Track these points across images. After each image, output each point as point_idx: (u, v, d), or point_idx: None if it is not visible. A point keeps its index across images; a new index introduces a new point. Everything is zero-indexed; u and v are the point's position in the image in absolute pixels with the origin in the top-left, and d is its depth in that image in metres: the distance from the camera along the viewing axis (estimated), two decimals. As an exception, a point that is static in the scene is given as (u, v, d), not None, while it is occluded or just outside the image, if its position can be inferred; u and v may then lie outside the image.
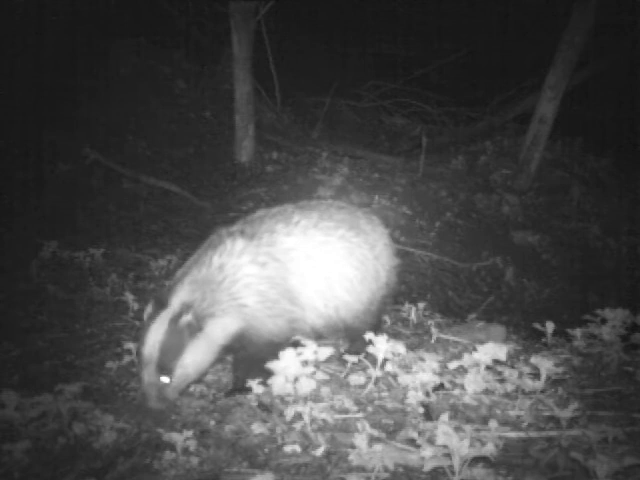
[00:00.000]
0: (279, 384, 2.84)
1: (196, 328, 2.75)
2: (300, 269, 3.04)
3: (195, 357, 2.77)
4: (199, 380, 3.04)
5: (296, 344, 2.99)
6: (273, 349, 2.89)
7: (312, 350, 2.86)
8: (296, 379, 2.84)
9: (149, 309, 2.85)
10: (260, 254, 2.97)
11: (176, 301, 2.80)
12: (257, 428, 2.63)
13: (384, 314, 3.76)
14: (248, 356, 3.03)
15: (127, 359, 3.32)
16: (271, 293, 2.95)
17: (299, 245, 3.05)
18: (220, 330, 2.84)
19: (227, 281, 2.88)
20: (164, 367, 2.71)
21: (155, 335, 2.72)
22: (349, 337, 3.46)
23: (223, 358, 3.12)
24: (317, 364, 2.95)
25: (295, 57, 10.92)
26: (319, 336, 3.24)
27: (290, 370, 2.79)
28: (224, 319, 2.85)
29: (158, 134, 8.61)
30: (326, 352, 2.90)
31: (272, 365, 2.82)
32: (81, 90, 8.11)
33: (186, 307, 2.76)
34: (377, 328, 3.27)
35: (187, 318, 2.73)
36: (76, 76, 8.06)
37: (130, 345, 3.27)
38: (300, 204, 3.32)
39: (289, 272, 3.01)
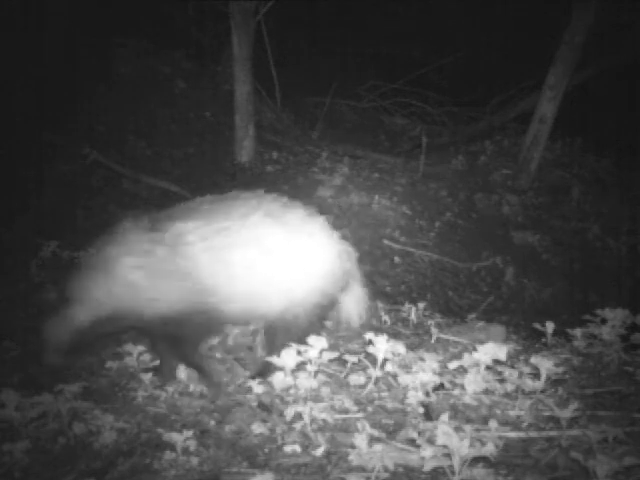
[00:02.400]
0: (279, 379, 2.88)
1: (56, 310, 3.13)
2: (194, 253, 3.05)
3: (54, 332, 3.12)
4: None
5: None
6: (177, 333, 3.08)
7: (318, 350, 2.88)
8: (296, 376, 2.86)
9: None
10: (143, 242, 3.08)
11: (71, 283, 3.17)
12: (257, 428, 2.63)
13: (317, 327, 3.33)
14: (160, 339, 3.19)
15: (127, 359, 3.32)
16: (147, 280, 3.04)
17: (195, 229, 3.07)
18: (80, 313, 3.10)
19: (107, 271, 3.09)
20: None
21: None
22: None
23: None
24: (320, 365, 2.96)
25: (295, 57, 10.91)
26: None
27: (290, 364, 2.85)
28: (83, 307, 3.10)
29: (158, 134, 8.60)
30: (331, 355, 2.91)
31: (272, 360, 2.87)
32: (81, 90, 8.11)
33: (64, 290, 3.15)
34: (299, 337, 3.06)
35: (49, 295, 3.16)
36: (76, 76, 8.06)
37: (130, 346, 3.28)
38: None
39: (180, 255, 3.04)
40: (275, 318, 3.18)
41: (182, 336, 3.08)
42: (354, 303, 3.44)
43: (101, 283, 3.08)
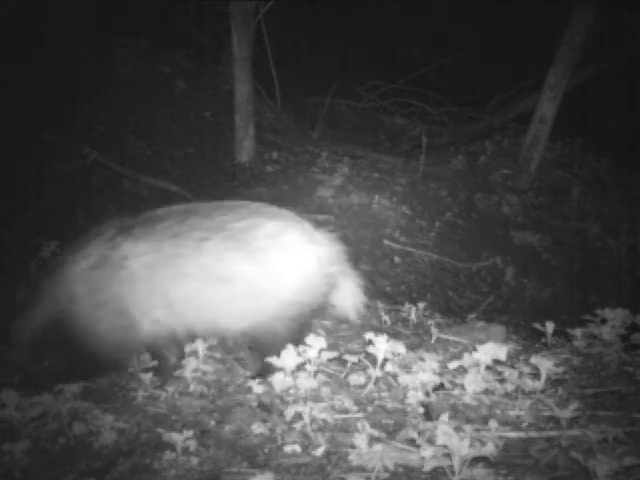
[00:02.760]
0: (279, 379, 2.88)
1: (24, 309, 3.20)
2: (132, 277, 2.99)
3: (19, 330, 3.20)
4: None
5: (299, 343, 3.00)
6: (106, 351, 3.06)
7: (317, 350, 2.88)
8: (296, 376, 2.86)
9: None
10: (94, 255, 3.05)
11: None
12: (257, 428, 2.63)
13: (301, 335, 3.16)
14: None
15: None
16: (86, 296, 3.03)
17: (141, 255, 3.00)
18: (37, 314, 3.14)
19: (58, 277, 3.11)
20: None
21: None
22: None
23: None
24: (319, 365, 2.96)
25: (295, 57, 10.91)
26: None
27: (289, 364, 2.85)
28: (39, 309, 3.13)
29: (158, 134, 8.61)
30: (330, 355, 2.91)
31: (272, 360, 2.87)
32: (81, 90, 8.11)
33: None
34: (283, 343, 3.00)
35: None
36: (76, 76, 8.06)
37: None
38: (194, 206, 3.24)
39: (119, 279, 3.00)
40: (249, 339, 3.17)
41: (97, 362, 3.10)
42: (349, 300, 3.36)
43: (53, 288, 3.10)
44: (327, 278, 3.17)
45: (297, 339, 3.05)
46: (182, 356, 3.24)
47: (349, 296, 3.35)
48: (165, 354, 3.26)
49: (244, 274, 3.00)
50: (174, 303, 3.00)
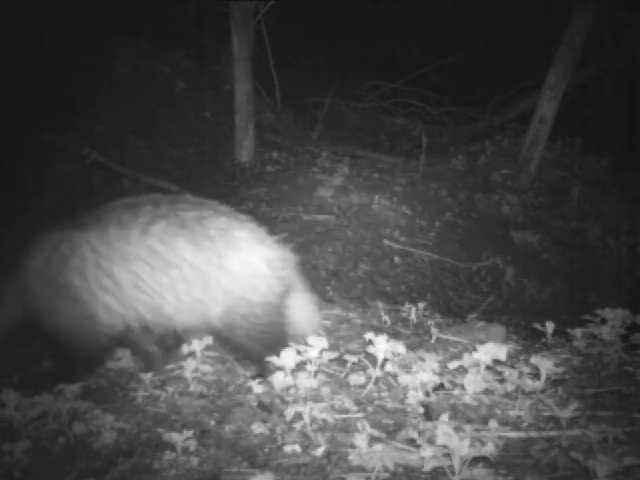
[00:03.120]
0: (279, 379, 2.88)
1: None
2: (81, 263, 2.98)
3: None
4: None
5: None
6: (76, 344, 3.05)
7: (318, 350, 2.88)
8: (296, 375, 2.87)
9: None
10: (46, 249, 3.06)
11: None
12: (257, 428, 2.63)
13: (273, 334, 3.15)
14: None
15: (127, 360, 3.32)
16: (43, 290, 3.03)
17: (90, 241, 2.99)
18: (5, 312, 3.15)
19: (19, 274, 3.11)
20: None
21: None
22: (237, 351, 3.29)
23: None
24: (320, 365, 2.96)
25: (295, 57, 10.91)
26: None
27: (289, 363, 2.85)
28: (8, 305, 3.14)
29: (158, 134, 8.61)
30: (331, 355, 2.92)
31: (272, 359, 2.88)
32: (81, 90, 8.11)
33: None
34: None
35: None
36: (76, 76, 8.06)
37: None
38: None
39: (68, 266, 2.98)
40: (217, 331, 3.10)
41: (73, 357, 3.08)
42: (298, 309, 3.30)
43: (16, 285, 3.10)
44: (280, 280, 3.09)
45: (259, 337, 3.05)
46: (162, 344, 3.24)
47: (298, 305, 3.30)
48: (141, 344, 3.22)
49: (191, 262, 2.93)
50: (120, 287, 2.94)
